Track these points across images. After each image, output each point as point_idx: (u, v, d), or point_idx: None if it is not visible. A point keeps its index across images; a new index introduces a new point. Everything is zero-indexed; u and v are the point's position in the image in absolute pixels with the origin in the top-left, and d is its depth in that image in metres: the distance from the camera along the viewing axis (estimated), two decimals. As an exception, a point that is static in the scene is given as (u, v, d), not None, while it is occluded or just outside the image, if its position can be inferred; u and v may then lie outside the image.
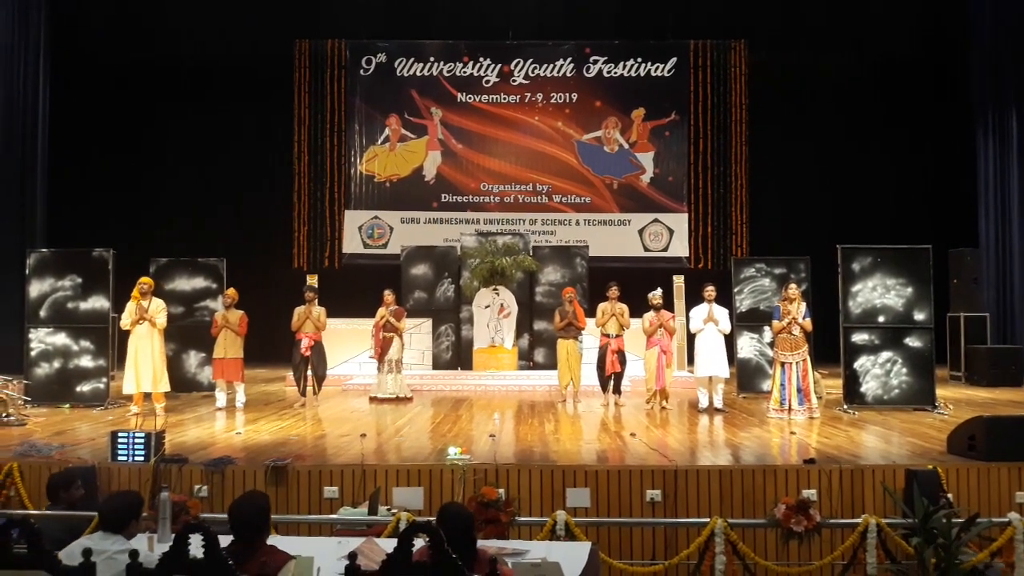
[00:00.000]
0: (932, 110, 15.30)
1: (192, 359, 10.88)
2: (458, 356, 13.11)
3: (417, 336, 12.64)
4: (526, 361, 13.00)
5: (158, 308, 9.17)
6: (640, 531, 5.70)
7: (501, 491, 5.63)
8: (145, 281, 9.29)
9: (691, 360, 10.23)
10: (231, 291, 9.83)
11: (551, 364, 11.52)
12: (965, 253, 13.14)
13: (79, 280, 9.95)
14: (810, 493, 5.78)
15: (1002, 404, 9.76)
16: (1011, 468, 6.02)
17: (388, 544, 3.36)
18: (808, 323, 8.60)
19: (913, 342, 9.34)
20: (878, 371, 9.31)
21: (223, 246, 12.49)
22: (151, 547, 3.92)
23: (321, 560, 3.43)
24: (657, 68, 16.46)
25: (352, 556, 2.85)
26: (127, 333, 9.20)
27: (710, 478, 5.91)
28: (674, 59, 16.42)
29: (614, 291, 9.79)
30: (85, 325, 9.91)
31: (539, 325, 13.22)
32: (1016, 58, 13.56)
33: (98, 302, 9.94)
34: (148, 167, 15.60)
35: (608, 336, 9.67)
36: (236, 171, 15.59)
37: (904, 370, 9.30)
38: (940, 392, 9.77)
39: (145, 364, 9.00)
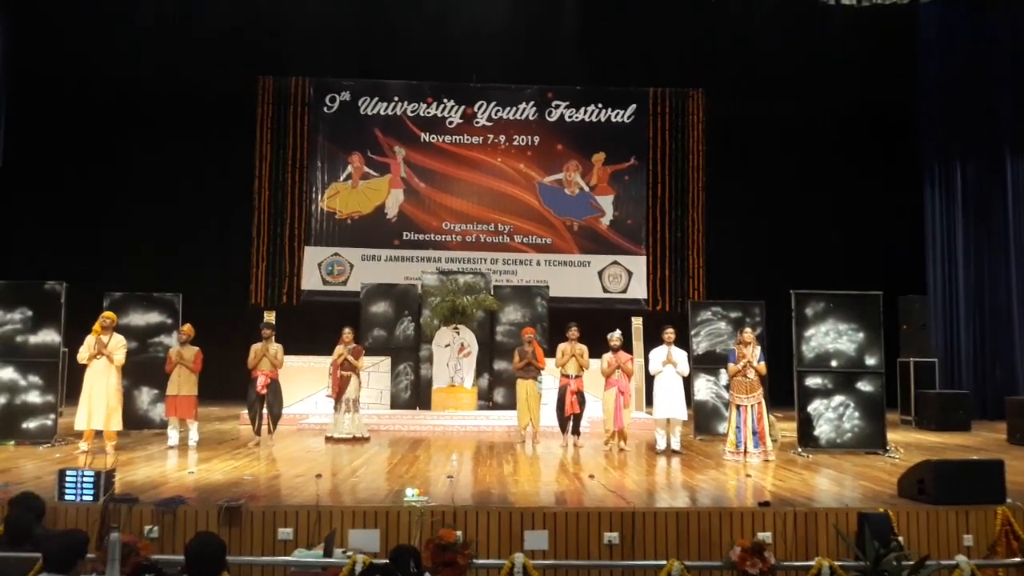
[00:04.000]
0: (884, 161, 15.81)
1: (144, 396, 10.66)
2: (417, 395, 13.02)
3: (375, 375, 12.54)
4: (485, 401, 12.96)
5: (118, 344, 8.98)
6: (598, 573, 5.68)
7: (459, 533, 5.59)
8: (108, 315, 9.13)
9: (650, 402, 10.30)
10: (187, 327, 9.69)
11: (511, 404, 11.51)
12: (914, 300, 13.51)
13: (29, 313, 9.70)
14: (765, 535, 5.84)
15: (951, 448, 9.98)
16: (959, 511, 6.15)
17: (345, 587, 3.32)
18: (763, 366, 8.75)
19: (865, 386, 9.54)
20: (831, 415, 9.47)
21: (179, 281, 12.31)
22: (99, 590, 3.82)
23: (276, 604, 3.38)
24: (617, 114, 16.83)
25: (309, 599, 2.82)
26: (82, 368, 8.98)
27: (667, 520, 5.94)
28: (634, 106, 16.81)
29: (574, 332, 9.86)
30: (34, 359, 9.65)
31: (499, 365, 13.21)
32: (962, 116, 14.12)
33: (48, 336, 9.71)
34: (105, 198, 15.38)
35: (567, 377, 9.71)
36: (194, 205, 15.44)
37: (856, 414, 9.48)
38: (891, 436, 9.97)
39: (99, 401, 8.77)
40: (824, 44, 14.85)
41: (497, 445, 9.91)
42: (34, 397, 9.59)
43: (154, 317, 10.85)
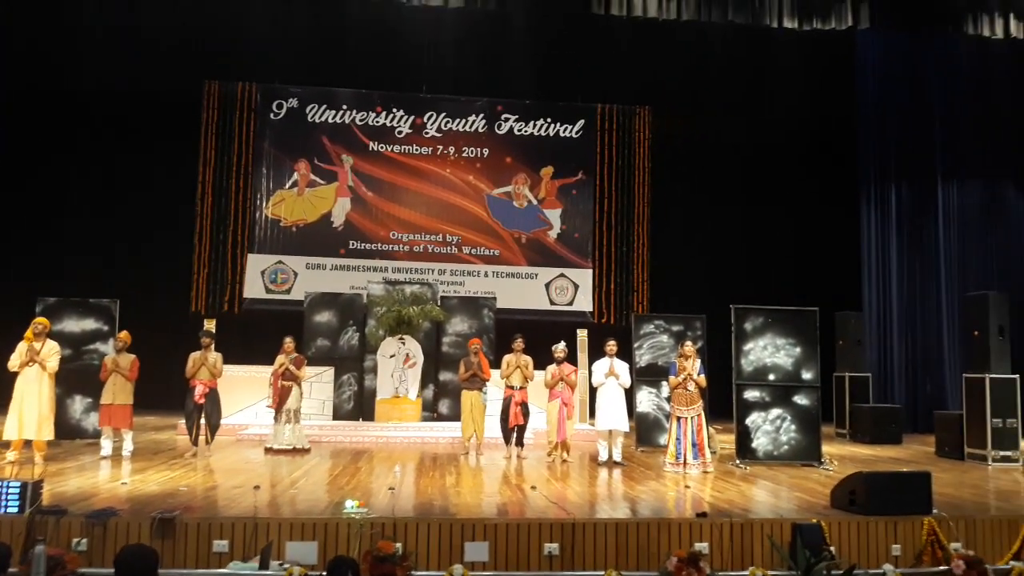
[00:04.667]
0: (824, 180, 16.25)
1: (78, 404, 10.36)
2: (360, 406, 12.89)
3: (318, 385, 12.39)
4: (430, 412, 12.89)
5: (51, 351, 8.72)
6: (537, 585, 5.71)
7: (398, 545, 5.57)
8: (40, 322, 8.85)
9: (593, 413, 10.39)
10: (124, 334, 9.46)
11: (456, 415, 11.48)
12: (850, 316, 13.88)
13: (-44, 318, 9.38)
14: (702, 546, 5.93)
15: (883, 461, 10.27)
16: (888, 522, 6.33)
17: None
18: (702, 379, 8.89)
19: (801, 400, 9.77)
20: (768, 427, 9.67)
21: (117, 287, 12.00)
22: (21, 605, 3.71)
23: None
24: (566, 129, 17.01)
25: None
26: (13, 376, 8.68)
27: (607, 531, 5.99)
28: (582, 121, 17.01)
29: (519, 343, 9.90)
30: (-40, 366, 9.31)
31: (445, 376, 13.16)
32: (897, 139, 14.64)
33: (-24, 342, 9.37)
34: (41, 201, 14.94)
35: (512, 388, 9.74)
36: (135, 209, 15.08)
37: (793, 427, 9.70)
38: (826, 448, 10.22)
39: (30, 410, 8.49)
40: (768, 66, 15.28)
41: (441, 456, 9.88)
42: (-41, 405, 9.24)
43: (90, 324, 10.57)
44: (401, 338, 12.44)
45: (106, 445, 9.10)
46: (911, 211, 14.64)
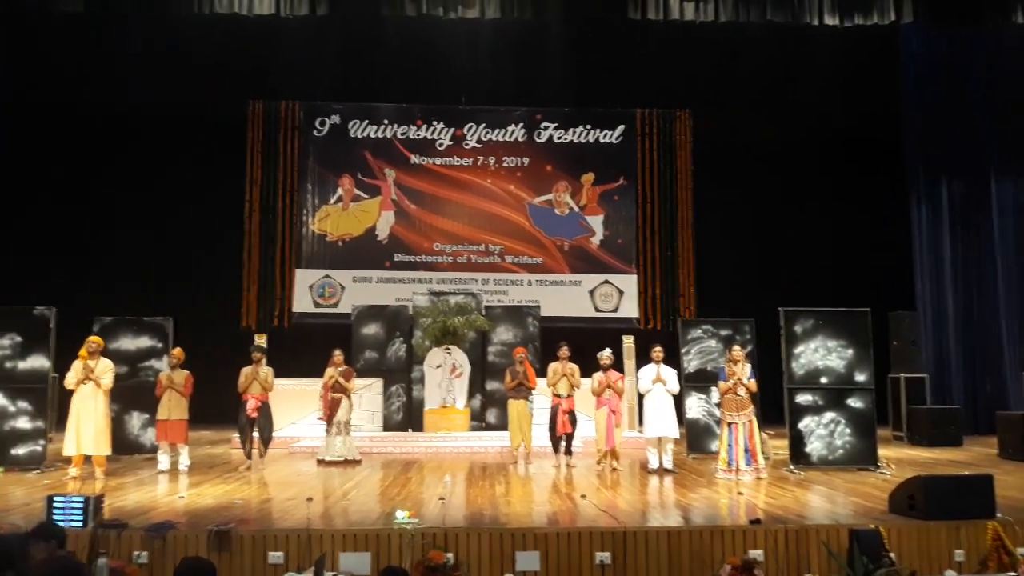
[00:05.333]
0: (870, 178, 15.90)
1: (135, 420, 10.61)
2: (409, 417, 12.98)
3: (367, 397, 12.51)
4: (478, 422, 12.93)
5: (105, 368, 8.95)
6: (590, 594, 5.68)
7: (449, 555, 5.59)
8: (94, 340, 9.10)
9: (641, 420, 10.30)
10: (177, 351, 9.68)
11: (503, 425, 11.48)
12: (903, 316, 13.56)
13: (18, 339, 9.65)
14: (756, 554, 5.84)
15: (942, 464, 10.00)
16: (949, 527, 6.16)
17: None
18: (753, 384, 8.77)
19: (855, 403, 9.55)
20: (822, 431, 9.48)
21: (170, 305, 12.28)
22: (86, 617, 3.80)
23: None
24: (605, 135, 16.96)
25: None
26: (70, 393, 8.94)
27: (659, 540, 5.93)
28: (622, 127, 16.94)
29: (565, 351, 9.88)
30: (23, 385, 9.58)
31: (491, 385, 13.18)
32: (946, 135, 14.26)
33: (38, 361, 9.65)
34: (93, 222, 15.35)
35: (559, 396, 9.71)
36: (185, 229, 15.42)
37: (847, 430, 9.49)
38: (883, 452, 9.99)
39: (87, 426, 8.73)
40: (807, 64, 15.01)
41: (490, 466, 9.89)
42: (23, 423, 9.52)
43: (144, 341, 10.82)
44: (447, 348, 12.50)
45: (163, 460, 9.30)
46: (964, 207, 14.24)
